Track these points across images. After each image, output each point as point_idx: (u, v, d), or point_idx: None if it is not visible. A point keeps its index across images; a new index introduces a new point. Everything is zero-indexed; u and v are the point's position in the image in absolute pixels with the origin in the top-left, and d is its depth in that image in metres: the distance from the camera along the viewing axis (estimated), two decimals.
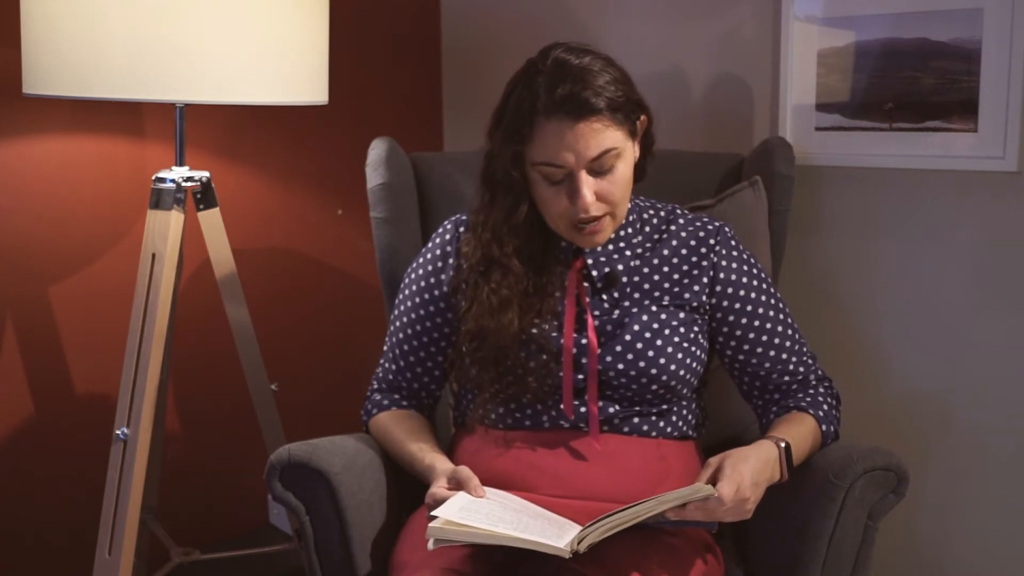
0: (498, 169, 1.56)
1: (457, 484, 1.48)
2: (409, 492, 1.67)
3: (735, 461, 1.44)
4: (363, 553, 1.59)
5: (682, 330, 1.61)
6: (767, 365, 1.66)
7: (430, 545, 1.35)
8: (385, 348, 1.76)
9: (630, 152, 1.56)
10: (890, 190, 2.05)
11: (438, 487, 1.48)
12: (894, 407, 2.09)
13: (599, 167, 1.51)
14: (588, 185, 1.51)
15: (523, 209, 1.57)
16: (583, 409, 1.58)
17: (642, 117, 1.57)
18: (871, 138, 2.04)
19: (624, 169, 1.54)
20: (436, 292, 1.69)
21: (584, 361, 1.58)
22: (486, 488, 1.48)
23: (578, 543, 1.33)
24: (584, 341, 1.59)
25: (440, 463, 1.56)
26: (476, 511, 1.39)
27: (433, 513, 1.38)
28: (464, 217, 1.71)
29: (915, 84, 1.97)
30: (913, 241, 2.04)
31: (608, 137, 1.50)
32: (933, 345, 2.04)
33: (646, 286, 1.64)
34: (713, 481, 1.42)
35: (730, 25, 2.23)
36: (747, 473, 1.43)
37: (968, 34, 1.89)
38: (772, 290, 1.69)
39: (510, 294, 1.59)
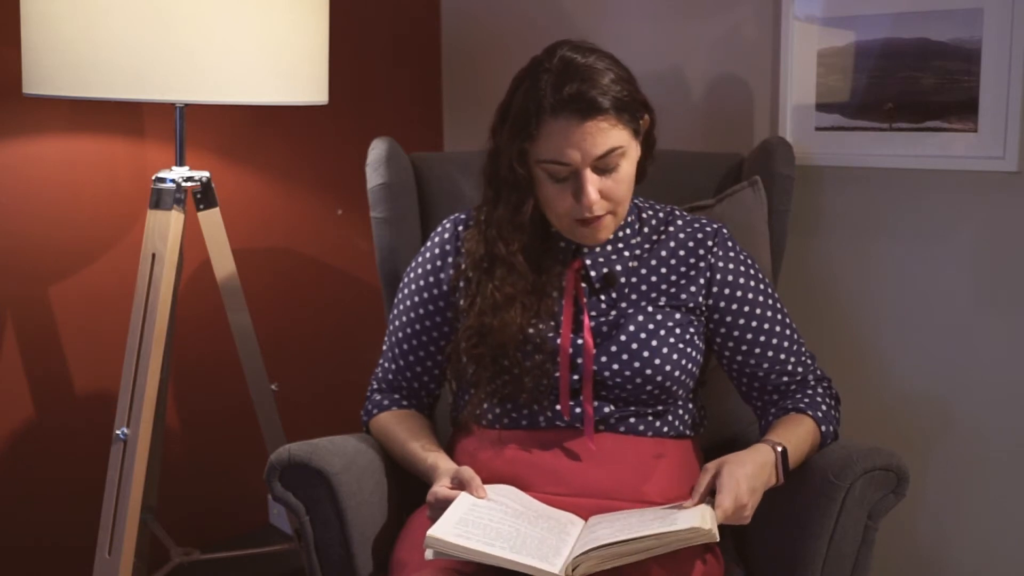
0: (503, 166, 1.56)
1: (459, 484, 1.48)
2: (409, 492, 1.67)
3: (732, 468, 1.45)
4: (363, 553, 1.59)
5: (678, 331, 1.61)
6: (765, 366, 1.66)
7: (428, 555, 1.35)
8: (384, 348, 1.76)
9: (634, 151, 1.56)
10: (890, 190, 2.05)
11: (440, 486, 1.48)
12: (894, 407, 2.09)
13: (604, 165, 1.52)
14: (593, 183, 1.51)
15: (528, 206, 1.57)
16: (578, 410, 1.58)
17: (645, 116, 1.58)
18: (871, 138, 2.04)
19: (628, 168, 1.55)
20: (435, 291, 1.69)
21: (580, 361, 1.58)
22: (488, 487, 1.48)
23: (572, 569, 1.33)
24: (580, 341, 1.59)
25: (443, 462, 1.56)
26: (474, 523, 1.38)
27: (430, 532, 1.35)
28: (463, 216, 1.72)
29: (915, 84, 1.97)
30: (913, 241, 2.04)
31: (613, 136, 1.50)
32: (933, 345, 2.03)
33: (643, 287, 1.64)
34: (712, 488, 1.44)
35: (730, 25, 2.23)
36: (744, 480, 1.44)
37: (968, 34, 1.89)
38: (770, 291, 1.69)
39: (514, 292, 1.59)
